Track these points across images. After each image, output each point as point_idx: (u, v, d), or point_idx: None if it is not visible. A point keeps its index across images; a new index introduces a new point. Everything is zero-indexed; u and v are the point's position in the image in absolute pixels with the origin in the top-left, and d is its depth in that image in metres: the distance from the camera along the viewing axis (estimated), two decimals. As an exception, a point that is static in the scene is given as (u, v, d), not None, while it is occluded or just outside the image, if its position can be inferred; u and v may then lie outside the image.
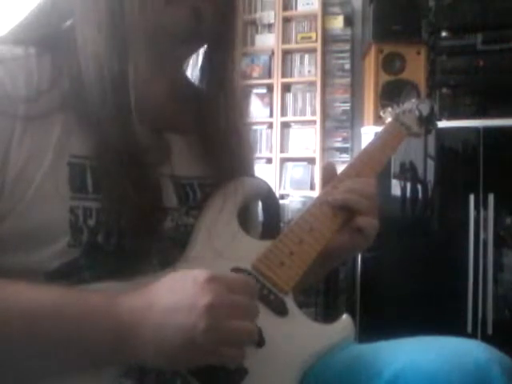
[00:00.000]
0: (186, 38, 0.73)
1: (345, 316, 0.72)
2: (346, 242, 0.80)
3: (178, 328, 0.56)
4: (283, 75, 3.50)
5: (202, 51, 0.81)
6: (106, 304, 0.59)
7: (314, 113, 3.44)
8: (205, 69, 0.81)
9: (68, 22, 0.71)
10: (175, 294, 0.58)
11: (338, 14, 3.45)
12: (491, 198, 2.30)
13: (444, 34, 2.56)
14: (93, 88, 0.66)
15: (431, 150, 2.46)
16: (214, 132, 0.77)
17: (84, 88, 0.67)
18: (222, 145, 0.77)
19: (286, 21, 3.54)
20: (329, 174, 0.85)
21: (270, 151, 3.44)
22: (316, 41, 3.45)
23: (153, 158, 0.68)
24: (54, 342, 0.57)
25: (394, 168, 2.47)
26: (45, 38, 0.69)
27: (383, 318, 2.36)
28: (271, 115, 3.47)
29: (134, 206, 0.66)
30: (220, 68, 0.78)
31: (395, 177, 2.48)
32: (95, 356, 0.58)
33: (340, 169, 0.87)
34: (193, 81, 0.84)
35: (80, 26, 0.68)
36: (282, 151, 3.47)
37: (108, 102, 0.66)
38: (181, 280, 0.59)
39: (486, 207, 2.31)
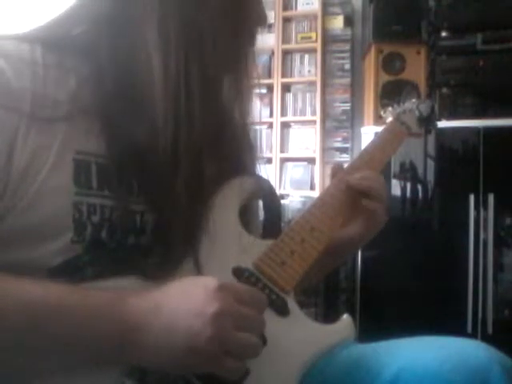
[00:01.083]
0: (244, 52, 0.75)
1: (345, 316, 0.72)
2: (348, 237, 0.82)
3: (183, 333, 0.56)
4: (283, 75, 3.50)
5: None
6: (111, 303, 0.59)
7: (314, 113, 3.44)
8: None
9: (81, 28, 0.70)
10: (184, 299, 0.58)
11: (338, 14, 3.45)
12: (491, 198, 2.30)
13: (444, 33, 2.56)
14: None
15: (431, 150, 2.46)
16: (220, 131, 0.77)
17: (103, 88, 0.67)
18: (226, 144, 0.78)
19: (286, 21, 3.53)
20: (337, 174, 0.87)
21: (270, 151, 3.44)
22: (316, 41, 3.45)
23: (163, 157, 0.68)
24: (56, 339, 0.57)
25: (394, 168, 2.47)
26: (51, 38, 0.69)
27: (383, 317, 2.36)
28: (271, 115, 3.47)
29: (142, 204, 0.67)
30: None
31: (395, 177, 2.48)
32: (98, 355, 0.58)
33: (340, 169, 0.87)
34: None
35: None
36: (282, 151, 3.47)
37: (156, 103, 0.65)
38: (191, 286, 0.60)
39: (486, 207, 2.31)
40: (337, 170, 0.88)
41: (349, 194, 0.83)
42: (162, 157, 0.66)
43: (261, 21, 0.77)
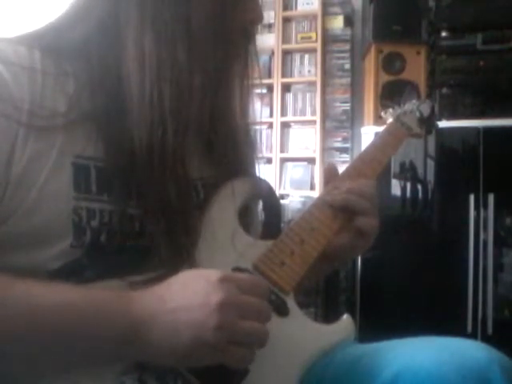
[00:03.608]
0: (238, 52, 0.76)
1: (345, 316, 0.72)
2: (346, 243, 0.80)
3: (189, 325, 0.56)
4: (283, 75, 3.50)
5: None
6: (116, 301, 0.59)
7: (314, 113, 3.44)
8: None
9: (76, 33, 0.70)
10: (187, 292, 0.58)
11: (338, 14, 3.45)
12: (491, 198, 2.30)
13: (444, 34, 2.56)
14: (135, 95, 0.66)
15: (431, 150, 2.46)
16: (218, 132, 0.78)
17: (104, 93, 0.67)
18: (225, 145, 0.78)
19: (286, 21, 3.53)
20: (331, 175, 0.85)
21: (270, 151, 3.44)
22: (316, 41, 3.44)
23: (163, 161, 0.68)
24: (63, 339, 0.57)
25: (394, 168, 2.47)
26: (49, 43, 0.69)
27: (383, 317, 2.36)
28: (271, 115, 3.47)
29: (140, 208, 0.67)
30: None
31: (395, 177, 2.48)
32: (102, 351, 0.59)
33: (340, 169, 0.87)
34: None
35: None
36: (282, 151, 3.47)
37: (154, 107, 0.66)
38: (193, 278, 0.60)
39: (486, 207, 2.31)
40: (330, 175, 0.86)
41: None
42: (144, 160, 0.66)
43: (256, 20, 0.77)
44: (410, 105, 1.04)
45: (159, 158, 0.66)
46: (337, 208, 0.80)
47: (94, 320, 0.58)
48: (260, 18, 0.77)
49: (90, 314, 0.58)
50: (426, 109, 1.04)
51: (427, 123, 1.05)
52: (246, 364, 0.60)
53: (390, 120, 1.02)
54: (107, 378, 0.59)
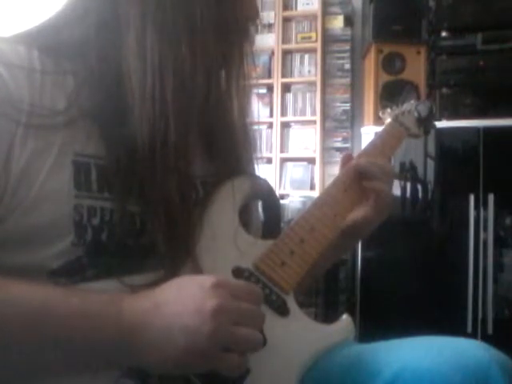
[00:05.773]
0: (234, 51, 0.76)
1: (345, 316, 0.72)
2: (365, 215, 0.84)
3: (183, 331, 0.56)
4: (283, 75, 3.50)
5: None
6: (111, 306, 0.59)
7: (314, 113, 3.44)
8: None
9: (74, 31, 0.70)
10: (181, 298, 0.58)
11: (338, 14, 3.45)
12: (491, 198, 2.30)
13: (444, 33, 2.56)
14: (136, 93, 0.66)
15: (431, 150, 2.46)
16: (217, 131, 0.78)
17: (106, 90, 0.67)
18: (224, 143, 0.78)
19: (286, 21, 3.53)
20: (347, 161, 0.90)
21: (270, 151, 3.44)
22: (316, 41, 3.45)
23: (166, 158, 0.68)
24: (56, 343, 0.57)
25: (394, 168, 2.47)
26: (47, 41, 0.69)
27: (383, 317, 2.36)
28: (271, 115, 3.47)
29: (141, 206, 0.67)
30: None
31: (395, 177, 2.47)
32: (97, 357, 0.58)
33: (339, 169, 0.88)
34: None
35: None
36: (282, 151, 3.47)
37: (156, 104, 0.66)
38: (187, 284, 0.60)
39: (486, 207, 2.31)
40: (347, 159, 0.91)
41: (353, 183, 0.86)
42: (146, 157, 0.66)
43: (253, 17, 0.77)
44: (408, 105, 1.04)
45: (161, 154, 0.66)
46: (358, 173, 0.85)
47: (87, 326, 0.57)
48: (257, 14, 0.77)
49: (84, 320, 0.58)
50: (424, 109, 1.03)
51: (425, 124, 1.05)
52: (237, 371, 0.59)
53: (388, 120, 1.02)
54: (107, 380, 0.59)
